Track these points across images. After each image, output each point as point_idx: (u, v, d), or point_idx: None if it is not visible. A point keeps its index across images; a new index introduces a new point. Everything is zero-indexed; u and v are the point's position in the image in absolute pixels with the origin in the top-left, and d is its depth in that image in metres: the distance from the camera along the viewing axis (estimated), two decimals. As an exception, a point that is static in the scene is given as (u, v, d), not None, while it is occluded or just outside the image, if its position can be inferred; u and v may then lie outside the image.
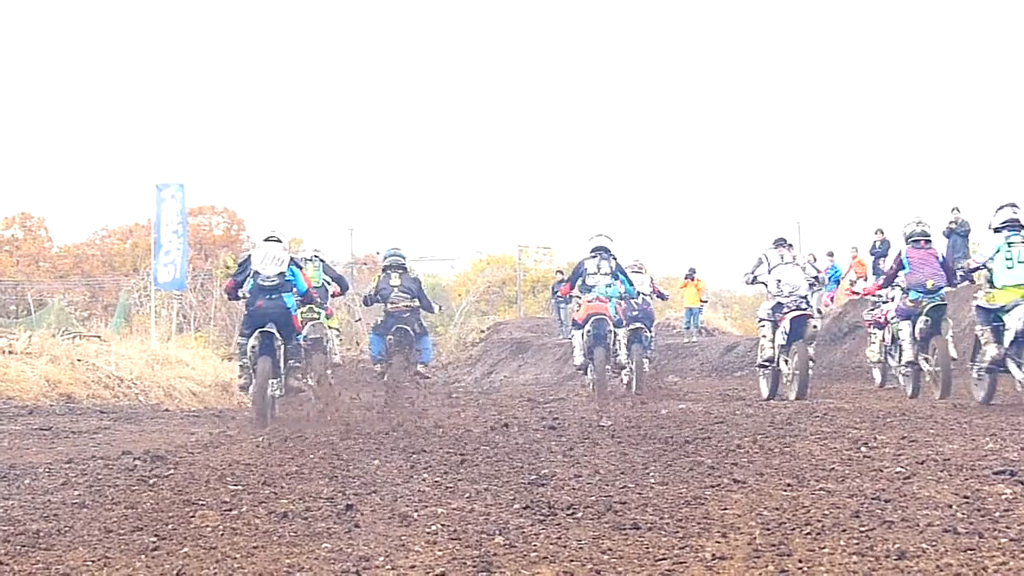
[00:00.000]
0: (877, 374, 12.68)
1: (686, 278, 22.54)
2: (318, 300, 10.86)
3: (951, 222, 17.27)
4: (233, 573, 3.33)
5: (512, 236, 39.91)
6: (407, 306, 11.51)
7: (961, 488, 4.38)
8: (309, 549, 3.62)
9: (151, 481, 5.34)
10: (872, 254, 18.93)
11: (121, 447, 7.12)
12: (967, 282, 9.42)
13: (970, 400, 8.98)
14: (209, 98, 66.88)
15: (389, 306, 11.62)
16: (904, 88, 65.07)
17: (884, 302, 11.95)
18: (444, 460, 5.80)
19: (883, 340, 11.99)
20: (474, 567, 3.30)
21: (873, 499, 4.19)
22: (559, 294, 14.42)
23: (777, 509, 4.07)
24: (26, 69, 61.84)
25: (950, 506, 4.00)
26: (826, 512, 3.95)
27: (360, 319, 19.95)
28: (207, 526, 4.05)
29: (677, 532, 3.74)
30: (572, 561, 3.35)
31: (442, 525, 3.97)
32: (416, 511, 4.26)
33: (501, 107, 69.09)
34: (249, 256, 9.68)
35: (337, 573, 3.30)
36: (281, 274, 9.20)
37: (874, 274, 17.45)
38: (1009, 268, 8.54)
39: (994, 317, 8.55)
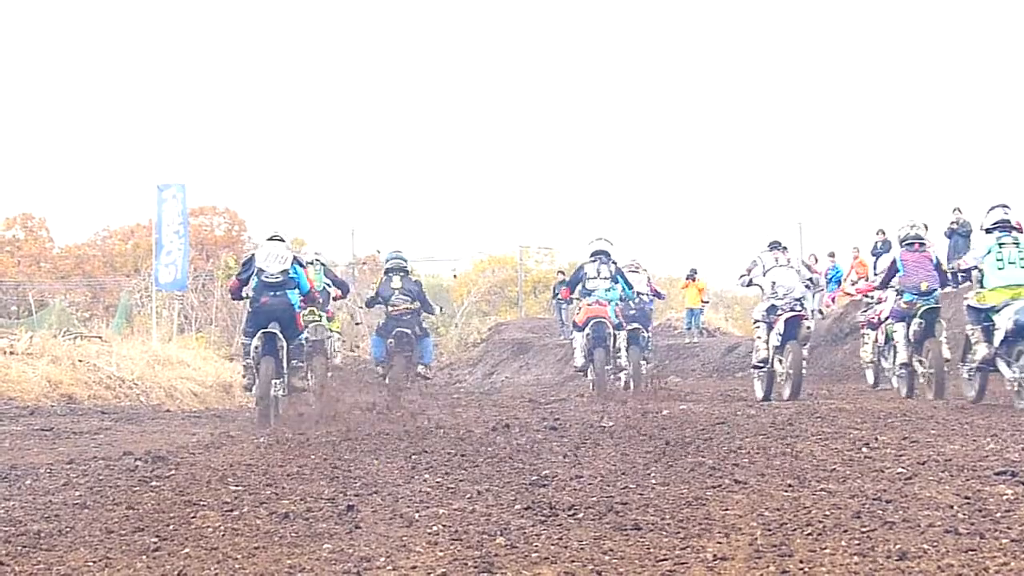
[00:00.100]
0: (870, 375, 12.73)
1: (687, 279, 22.54)
2: (320, 301, 10.91)
3: (952, 222, 17.25)
4: (234, 574, 3.33)
5: (513, 236, 39.95)
6: (408, 309, 11.61)
7: (962, 489, 4.38)
8: (310, 550, 3.62)
9: (152, 482, 5.34)
10: (873, 254, 18.85)
11: (122, 448, 7.13)
12: (968, 282, 9.47)
13: (964, 400, 9.02)
14: (210, 99, 66.95)
15: (390, 309, 11.72)
16: (905, 89, 65.08)
17: (877, 302, 12.03)
18: (445, 461, 5.80)
19: (876, 341, 12.08)
20: (475, 568, 3.30)
21: (874, 500, 4.19)
22: (560, 296, 14.46)
23: (778, 510, 4.07)
24: (28, 70, 61.92)
25: (951, 507, 4.00)
26: (827, 513, 3.95)
27: (360, 322, 19.98)
28: (208, 527, 4.05)
29: (678, 533, 3.74)
30: (573, 562, 3.35)
31: (443, 526, 3.97)
32: (417, 512, 4.26)
33: (502, 108, 69.14)
34: (252, 255, 9.74)
35: (338, 574, 3.30)
36: (285, 271, 9.27)
37: (875, 275, 17.46)
38: (1000, 269, 8.62)
39: (985, 317, 8.65)
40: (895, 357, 10.75)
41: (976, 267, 8.86)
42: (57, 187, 57.39)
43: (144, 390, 13.12)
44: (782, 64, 67.59)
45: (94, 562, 3.52)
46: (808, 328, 11.05)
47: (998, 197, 9.23)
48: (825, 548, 3.40)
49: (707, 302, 23.63)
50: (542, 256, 33.89)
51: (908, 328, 10.28)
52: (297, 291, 9.45)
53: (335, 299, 12.10)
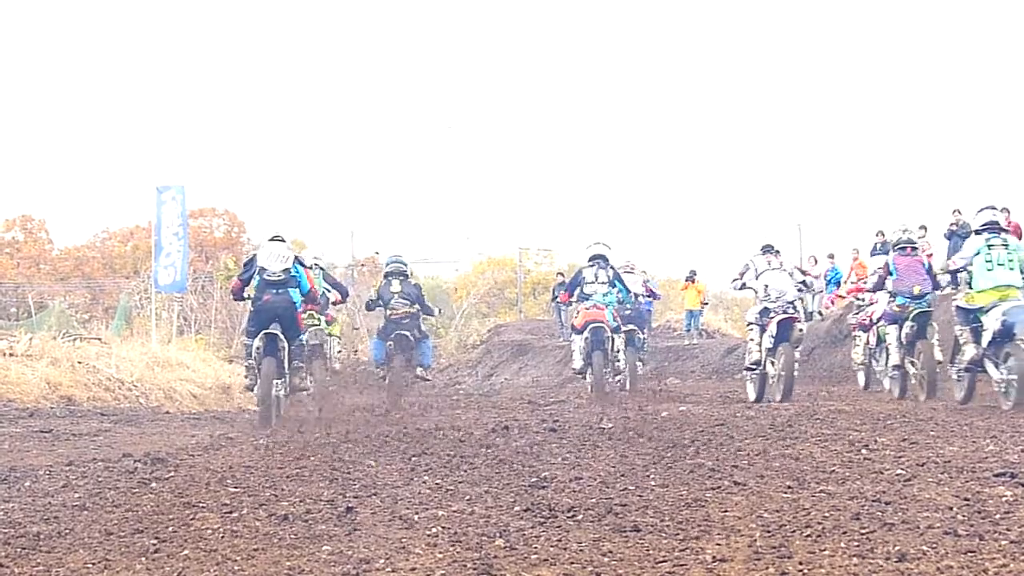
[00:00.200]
0: (861, 377, 12.78)
1: (687, 280, 22.54)
2: (320, 302, 10.94)
3: (952, 224, 17.24)
4: (233, 575, 3.33)
5: (513, 238, 39.96)
6: (407, 312, 11.77)
7: (962, 490, 4.38)
8: (309, 551, 3.62)
9: (151, 484, 5.34)
10: (873, 256, 18.90)
11: (122, 449, 7.13)
12: (953, 285, 9.50)
13: (955, 401, 9.08)
14: (210, 100, 66.99)
15: (389, 312, 11.89)
16: (904, 91, 65.12)
17: (868, 304, 12.10)
18: (445, 463, 5.80)
19: (867, 343, 12.16)
20: (474, 570, 3.30)
21: (873, 501, 4.19)
22: (559, 299, 14.53)
23: (778, 511, 4.07)
24: (27, 71, 61.92)
25: (950, 508, 4.00)
26: (827, 514, 3.95)
27: (359, 327, 20.03)
28: (207, 528, 4.05)
29: (678, 534, 3.74)
30: (572, 564, 3.35)
31: (442, 527, 3.97)
32: (416, 513, 4.26)
33: (501, 109, 69.18)
34: (254, 255, 9.79)
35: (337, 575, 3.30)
36: (286, 270, 9.31)
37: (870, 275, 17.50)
38: (988, 270, 8.65)
39: (973, 318, 8.70)
40: (887, 359, 10.88)
41: (965, 268, 8.90)
42: (56, 189, 57.52)
43: (143, 392, 13.11)
44: (781, 66, 67.65)
45: (93, 564, 3.52)
46: (800, 330, 11.15)
47: (997, 199, 9.28)
48: (824, 549, 3.40)
49: (706, 304, 23.63)
50: (541, 258, 33.91)
51: (900, 331, 10.40)
52: (298, 290, 9.49)
53: (334, 303, 12.15)
